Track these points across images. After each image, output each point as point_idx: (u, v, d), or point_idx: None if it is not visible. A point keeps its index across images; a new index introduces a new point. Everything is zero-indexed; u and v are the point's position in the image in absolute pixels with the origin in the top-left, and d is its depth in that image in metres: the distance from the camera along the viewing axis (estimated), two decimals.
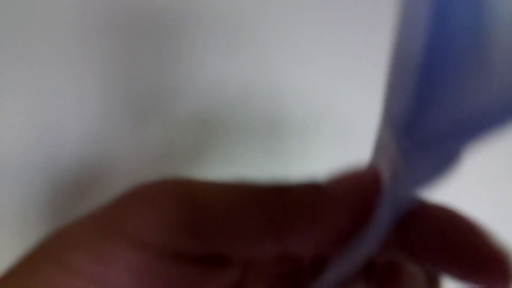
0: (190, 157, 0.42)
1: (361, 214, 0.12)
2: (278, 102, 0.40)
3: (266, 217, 0.12)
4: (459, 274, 0.12)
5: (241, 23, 0.43)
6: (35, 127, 0.39)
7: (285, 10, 0.44)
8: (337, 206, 0.12)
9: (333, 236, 0.12)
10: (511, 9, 0.08)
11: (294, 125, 0.41)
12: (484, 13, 0.08)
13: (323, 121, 0.41)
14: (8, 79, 0.39)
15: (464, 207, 0.14)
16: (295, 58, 0.44)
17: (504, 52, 0.08)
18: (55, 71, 0.39)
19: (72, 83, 0.39)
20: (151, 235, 0.12)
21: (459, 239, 0.12)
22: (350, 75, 0.44)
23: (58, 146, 0.39)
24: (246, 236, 0.12)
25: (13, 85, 0.39)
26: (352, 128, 0.41)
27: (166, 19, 0.42)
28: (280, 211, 0.12)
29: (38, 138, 0.39)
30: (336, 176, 0.13)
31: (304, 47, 0.44)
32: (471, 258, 0.12)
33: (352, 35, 0.45)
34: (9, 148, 0.39)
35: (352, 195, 0.12)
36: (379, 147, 0.12)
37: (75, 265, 0.12)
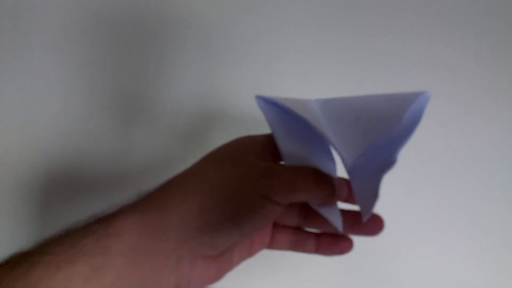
0: (174, 157, 0.41)
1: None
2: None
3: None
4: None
5: (228, 31, 0.43)
6: (23, 127, 0.38)
7: (268, 21, 0.44)
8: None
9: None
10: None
11: None
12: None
13: None
14: None
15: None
16: (278, 66, 0.44)
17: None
18: (43, 74, 0.39)
19: (60, 85, 0.39)
20: None
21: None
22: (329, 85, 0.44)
23: (45, 146, 0.38)
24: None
25: (1, 87, 0.38)
26: None
27: (154, 26, 0.41)
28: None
29: (26, 138, 0.38)
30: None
31: (287, 55, 0.44)
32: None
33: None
34: None
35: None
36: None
37: None
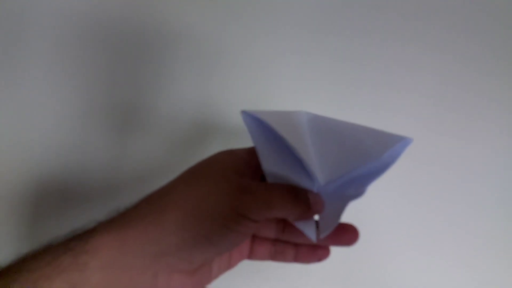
0: (168, 166, 0.42)
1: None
2: None
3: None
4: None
5: (219, 42, 0.43)
6: (16, 136, 0.38)
7: (258, 29, 0.44)
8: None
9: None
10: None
11: None
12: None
13: None
14: None
15: None
16: (270, 74, 0.44)
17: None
18: (37, 83, 0.39)
19: (54, 95, 0.39)
20: None
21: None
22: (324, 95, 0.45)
23: (38, 155, 0.38)
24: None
25: None
26: None
27: (148, 37, 0.41)
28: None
29: (19, 147, 0.38)
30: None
31: (279, 62, 0.44)
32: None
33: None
34: None
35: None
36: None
37: None
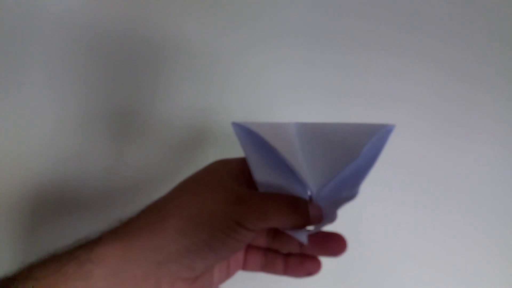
0: (165, 175, 0.42)
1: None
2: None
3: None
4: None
5: (217, 55, 0.44)
6: (13, 146, 0.39)
7: (254, 40, 0.46)
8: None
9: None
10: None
11: None
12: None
13: None
14: None
15: None
16: (265, 83, 0.45)
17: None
18: (35, 93, 0.39)
19: (51, 104, 0.40)
20: None
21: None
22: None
23: (36, 165, 0.39)
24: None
25: None
26: None
27: (146, 48, 0.42)
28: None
29: (16, 156, 0.39)
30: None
31: (274, 79, 0.46)
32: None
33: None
34: None
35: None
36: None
37: None
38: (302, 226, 0.27)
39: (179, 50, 0.43)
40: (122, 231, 0.25)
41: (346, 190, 0.26)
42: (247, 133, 0.28)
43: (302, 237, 0.26)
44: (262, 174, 0.27)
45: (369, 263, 0.44)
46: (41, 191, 0.39)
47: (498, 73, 0.49)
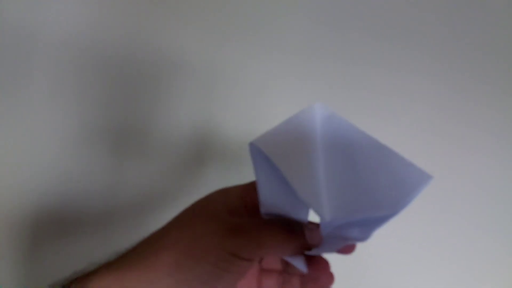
0: (166, 193, 0.43)
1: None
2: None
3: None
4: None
5: (216, 71, 0.44)
6: (14, 165, 0.39)
7: (253, 53, 0.45)
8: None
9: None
10: None
11: None
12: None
13: None
14: None
15: None
16: (266, 98, 0.45)
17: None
18: (36, 112, 0.39)
19: (52, 123, 0.40)
20: None
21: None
22: None
23: (36, 184, 0.39)
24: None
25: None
26: None
27: (145, 65, 0.42)
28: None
29: (19, 175, 0.39)
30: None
31: (273, 92, 0.45)
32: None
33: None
34: None
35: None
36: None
37: None
38: (299, 253, 0.27)
39: (178, 66, 0.43)
40: (118, 264, 0.25)
41: (359, 230, 0.24)
42: (263, 157, 0.26)
43: (301, 265, 0.26)
44: (268, 196, 0.26)
45: (369, 263, 0.44)
46: (42, 210, 0.39)
47: (500, 75, 0.48)
